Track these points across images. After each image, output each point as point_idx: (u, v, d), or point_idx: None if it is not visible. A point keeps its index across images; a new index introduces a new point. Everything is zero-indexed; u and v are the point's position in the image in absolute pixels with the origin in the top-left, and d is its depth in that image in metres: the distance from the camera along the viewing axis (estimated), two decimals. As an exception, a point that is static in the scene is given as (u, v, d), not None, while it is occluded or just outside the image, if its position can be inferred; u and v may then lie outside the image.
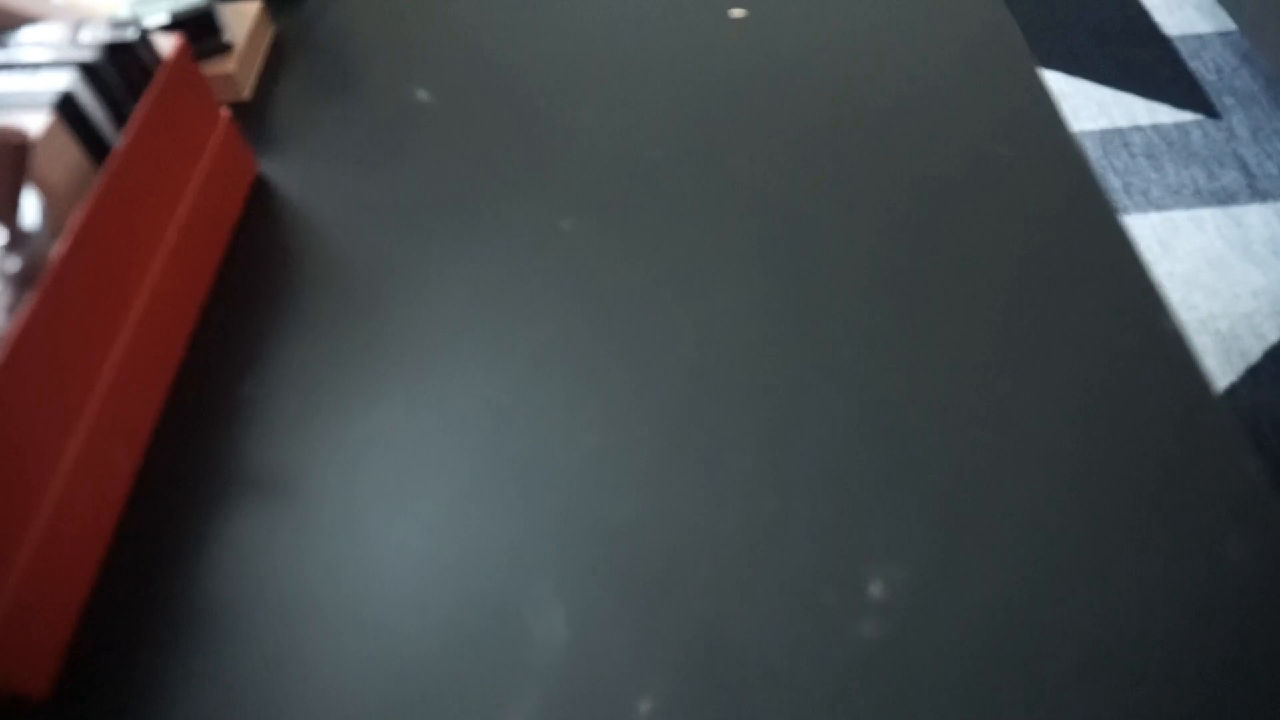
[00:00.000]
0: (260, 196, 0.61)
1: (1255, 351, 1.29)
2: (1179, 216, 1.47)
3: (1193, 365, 0.49)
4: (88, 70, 0.46)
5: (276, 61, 0.71)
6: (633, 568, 0.44)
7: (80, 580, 0.44)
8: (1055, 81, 1.69)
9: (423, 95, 0.68)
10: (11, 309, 0.41)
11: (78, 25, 0.50)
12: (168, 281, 0.51)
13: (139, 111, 0.48)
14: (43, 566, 0.40)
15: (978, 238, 0.56)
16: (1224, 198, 1.49)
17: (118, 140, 0.48)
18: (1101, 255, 0.54)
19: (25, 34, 0.49)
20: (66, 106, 0.45)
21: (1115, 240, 0.55)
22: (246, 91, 0.67)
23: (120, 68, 0.48)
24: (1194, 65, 1.70)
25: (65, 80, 0.45)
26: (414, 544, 0.45)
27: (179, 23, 0.62)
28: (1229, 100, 1.63)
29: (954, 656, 0.40)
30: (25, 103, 0.44)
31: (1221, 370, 1.27)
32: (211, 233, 0.57)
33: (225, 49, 0.66)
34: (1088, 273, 0.53)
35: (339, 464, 0.48)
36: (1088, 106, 1.64)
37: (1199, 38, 1.75)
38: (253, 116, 0.66)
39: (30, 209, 0.42)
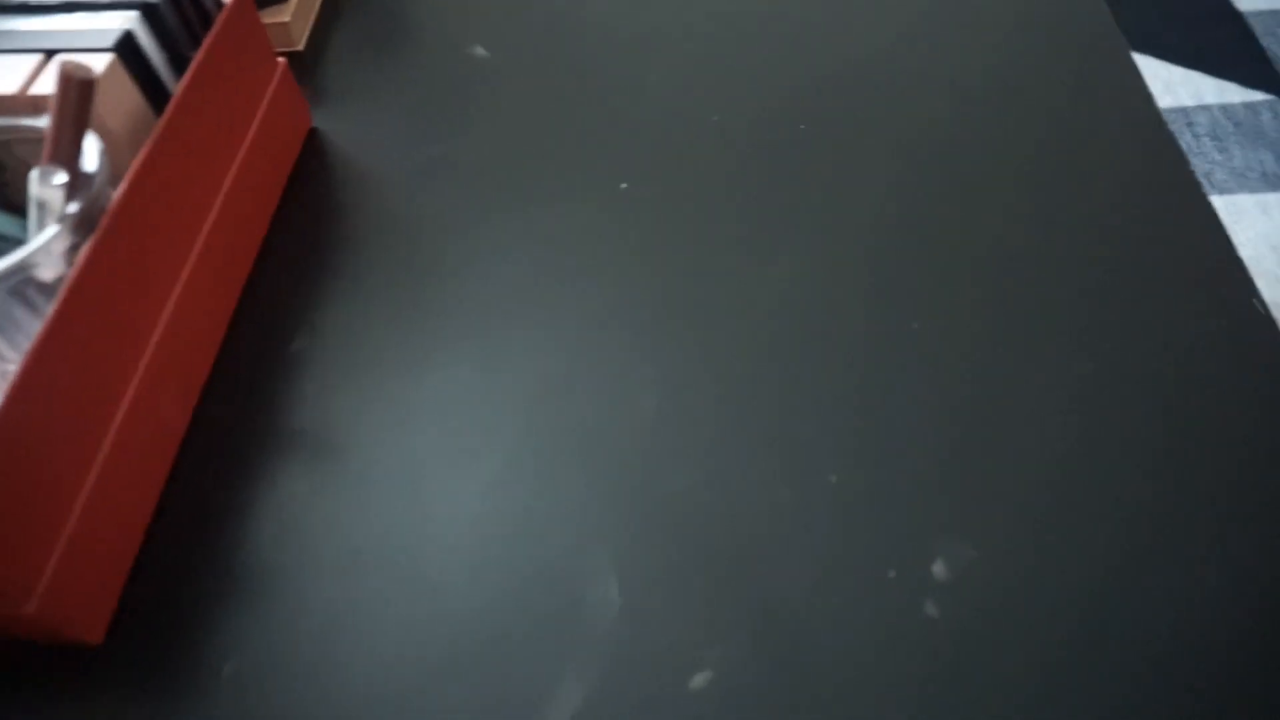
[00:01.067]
0: (314, 150, 0.61)
1: (1320, 343, 1.24)
2: (1244, 201, 1.41)
3: (1284, 350, 0.46)
4: (148, 11, 0.45)
5: (331, 13, 0.70)
6: (691, 537, 0.43)
7: (133, 530, 0.43)
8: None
9: (480, 51, 0.66)
10: (70, 252, 0.40)
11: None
12: (222, 232, 0.50)
13: (199, 57, 0.47)
14: (96, 518, 0.40)
15: (1061, 214, 0.53)
16: (1293, 182, 1.43)
17: (176, 86, 0.47)
18: (1189, 234, 0.51)
19: (85, -25, 0.48)
20: (127, 47, 0.44)
21: (1203, 219, 0.52)
22: (301, 42, 0.66)
23: (180, 11, 0.47)
24: (1267, 42, 1.63)
25: (126, 20, 0.44)
26: (469, 506, 0.44)
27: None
28: (1303, 81, 1.56)
29: (1018, 640, 0.39)
30: (86, 43, 0.43)
31: (1284, 361, 1.22)
32: (266, 184, 0.56)
33: (281, -2, 0.65)
34: (1174, 252, 0.51)
35: (392, 422, 0.47)
36: (1152, 85, 1.58)
37: (1274, 14, 1.67)
38: (307, 68, 0.65)
39: (91, 152, 0.41)
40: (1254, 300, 0.48)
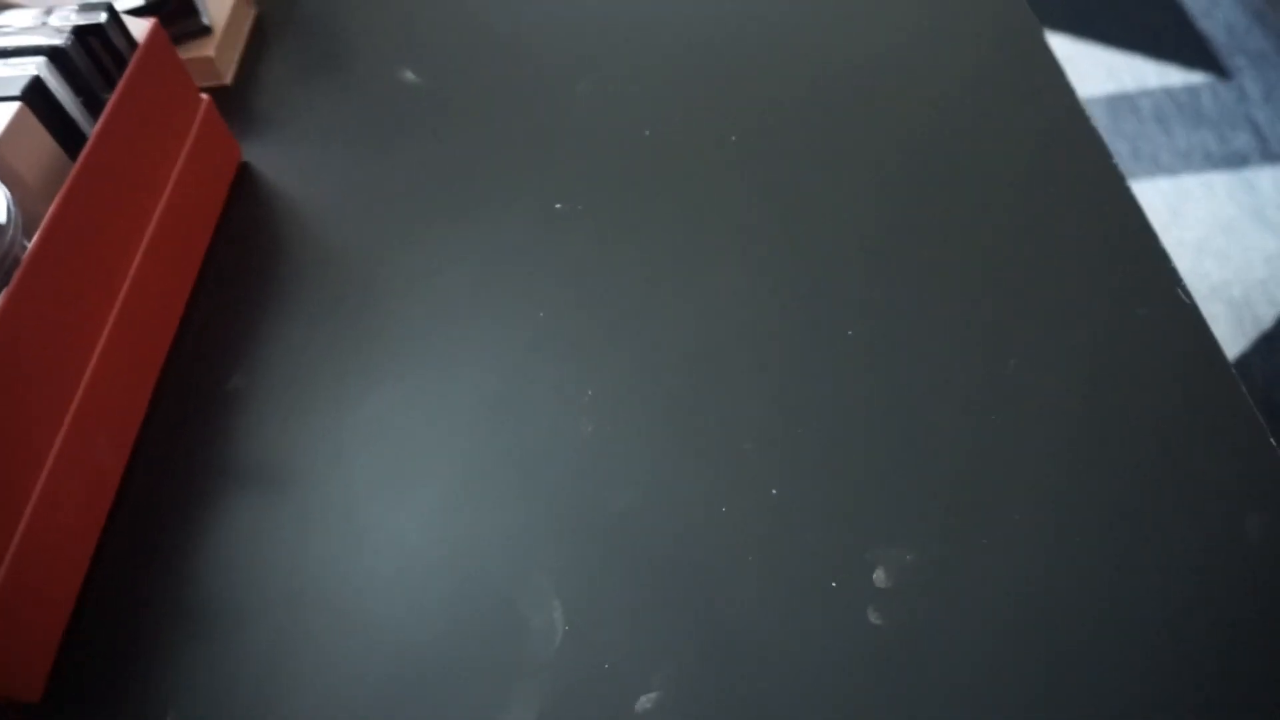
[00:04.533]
0: (245, 184, 0.60)
1: (1268, 318, 1.27)
2: (1189, 181, 1.44)
3: (1209, 337, 0.47)
4: (57, 55, 0.45)
5: (259, 44, 0.69)
6: (633, 558, 0.43)
7: (68, 582, 0.43)
8: (1061, 45, 1.65)
9: (410, 76, 0.66)
10: (-16, 307, 0.39)
11: (48, 9, 0.48)
12: (151, 274, 0.50)
13: (113, 99, 0.46)
14: (28, 570, 0.39)
15: (983, 211, 0.54)
16: (1235, 161, 1.46)
17: (92, 129, 0.47)
18: (1112, 226, 0.52)
19: (-7, 20, 0.48)
20: (35, 93, 0.43)
21: (1127, 211, 0.53)
22: (228, 76, 0.66)
23: (91, 53, 0.47)
24: (1204, 25, 1.66)
25: (33, 66, 0.44)
26: (410, 536, 0.44)
27: (153, 5, 0.60)
28: (1240, 61, 1.60)
29: (963, 642, 0.39)
30: (-8, 92, 0.43)
31: (1234, 338, 1.25)
32: (195, 222, 0.55)
33: (204, 31, 0.64)
34: (1098, 244, 0.52)
35: (332, 455, 0.47)
36: (1095, 70, 1.61)
37: (1209, -3, 1.71)
38: (236, 102, 0.65)
39: (0, 203, 0.41)
40: (1178, 289, 0.49)
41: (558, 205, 0.57)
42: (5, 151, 0.42)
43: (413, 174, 0.59)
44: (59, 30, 0.46)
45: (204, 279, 0.55)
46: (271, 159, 0.61)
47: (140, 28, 0.51)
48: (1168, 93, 1.56)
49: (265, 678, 0.40)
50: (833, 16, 0.66)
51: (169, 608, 0.43)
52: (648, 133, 0.60)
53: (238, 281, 0.55)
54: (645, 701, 0.39)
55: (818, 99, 0.61)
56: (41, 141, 0.44)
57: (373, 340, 0.51)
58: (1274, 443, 0.43)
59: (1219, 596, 0.39)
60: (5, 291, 0.39)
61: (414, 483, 0.46)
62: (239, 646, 0.41)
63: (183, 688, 0.40)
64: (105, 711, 0.40)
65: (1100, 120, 1.54)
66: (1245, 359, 1.23)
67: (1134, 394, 0.46)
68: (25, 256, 0.40)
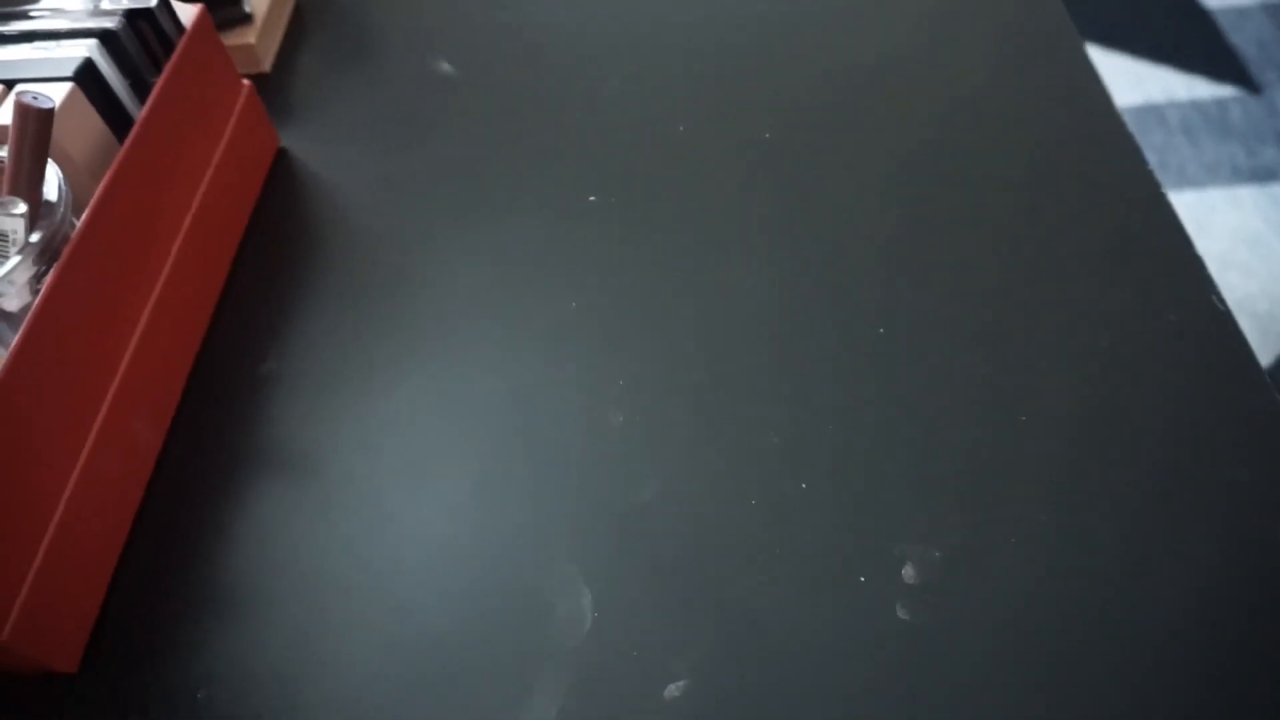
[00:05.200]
0: (282, 170, 0.61)
1: (1294, 333, 1.26)
2: (1216, 195, 1.43)
3: (1242, 344, 0.47)
4: (108, 39, 0.45)
5: (297, 33, 0.70)
6: (659, 549, 0.43)
7: (105, 557, 0.43)
8: (1089, 55, 1.64)
9: (446, 67, 0.66)
10: (33, 283, 0.40)
11: (98, -6, 0.49)
12: (189, 256, 0.50)
13: (160, 83, 0.47)
14: (68, 545, 0.40)
15: (1015, 213, 0.54)
16: (1263, 175, 1.44)
17: (139, 112, 0.47)
18: (1145, 231, 0.52)
19: (47, 2, 0.49)
20: (87, 75, 0.44)
21: (1160, 216, 0.53)
22: (267, 64, 0.67)
23: (141, 36, 0.48)
24: (1235, 39, 1.64)
25: (86, 49, 0.44)
26: (437, 523, 0.44)
27: (199, -8, 0.61)
28: (1271, 75, 1.58)
29: (992, 640, 0.39)
30: (46, 72, 0.43)
31: (1260, 352, 1.24)
32: (233, 206, 0.56)
33: (245, 20, 0.65)
34: (1131, 249, 0.51)
35: (361, 441, 0.47)
36: (1122, 81, 1.60)
37: (1240, 10, 1.69)
38: (274, 89, 0.66)
39: (51, 181, 0.41)
40: (1213, 296, 0.49)
41: (591, 198, 0.57)
42: (57, 131, 0.42)
43: (445, 165, 0.60)
44: (110, 13, 0.47)
45: (240, 263, 0.56)
46: (308, 146, 0.62)
47: (187, 13, 0.52)
48: (1196, 105, 1.55)
49: (293, 660, 0.41)
50: (869, 17, 0.66)
51: (200, 587, 0.43)
52: (682, 128, 0.60)
53: (273, 266, 0.55)
54: (674, 689, 0.39)
55: (853, 99, 0.61)
56: (91, 122, 0.45)
57: (402, 329, 0.52)
58: (1308, 452, 0.43)
59: (1251, 604, 0.39)
60: (55, 267, 0.39)
61: (441, 470, 0.46)
62: (268, 628, 0.42)
63: (214, 666, 0.41)
64: (140, 682, 0.41)
65: (1127, 131, 1.53)
66: (1271, 372, 1.22)
67: (1165, 399, 0.45)
68: (74, 235, 0.41)
